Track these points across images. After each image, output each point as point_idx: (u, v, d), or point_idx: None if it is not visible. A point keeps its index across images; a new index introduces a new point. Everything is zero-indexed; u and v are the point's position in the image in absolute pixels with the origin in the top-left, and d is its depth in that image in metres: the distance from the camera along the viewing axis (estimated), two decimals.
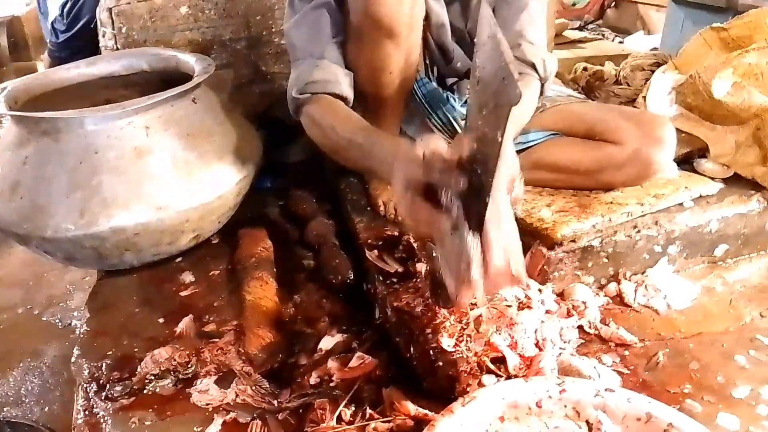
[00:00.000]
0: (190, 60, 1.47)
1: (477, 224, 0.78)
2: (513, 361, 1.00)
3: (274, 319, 1.13)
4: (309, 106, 1.22)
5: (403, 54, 1.19)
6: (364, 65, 1.22)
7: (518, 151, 1.33)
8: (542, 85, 1.34)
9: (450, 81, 1.43)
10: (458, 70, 1.39)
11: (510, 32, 1.28)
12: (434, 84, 1.41)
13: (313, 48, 1.23)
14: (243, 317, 1.15)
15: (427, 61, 1.40)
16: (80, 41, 2.41)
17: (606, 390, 0.91)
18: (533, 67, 1.27)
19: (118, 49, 1.71)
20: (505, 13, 1.30)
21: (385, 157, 0.97)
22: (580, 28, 3.11)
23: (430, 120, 1.40)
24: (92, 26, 1.96)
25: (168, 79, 1.46)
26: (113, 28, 1.71)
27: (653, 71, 1.78)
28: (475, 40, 0.76)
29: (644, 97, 1.68)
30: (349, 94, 1.23)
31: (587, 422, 0.90)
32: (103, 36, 1.72)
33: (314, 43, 1.23)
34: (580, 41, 2.77)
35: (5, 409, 1.51)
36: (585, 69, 2.05)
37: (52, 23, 2.57)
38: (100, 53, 1.74)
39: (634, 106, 1.72)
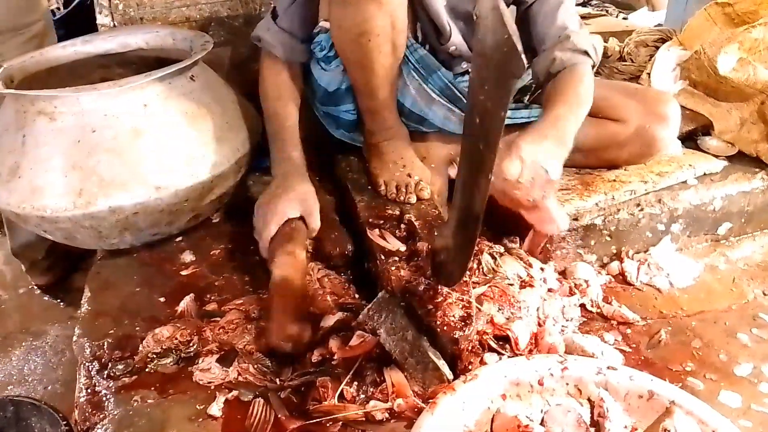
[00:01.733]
0: (187, 37, 1.44)
1: None
2: (524, 340, 1.00)
3: (300, 304, 1.08)
4: (264, 57, 1.38)
5: (388, 17, 1.17)
6: (349, 29, 1.19)
7: (521, 125, 1.32)
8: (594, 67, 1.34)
9: (442, 57, 1.40)
10: (452, 53, 1.36)
11: (554, 27, 1.28)
12: (425, 50, 1.37)
13: (280, 5, 1.35)
14: (268, 295, 1.10)
15: (419, 34, 1.37)
16: (77, 18, 2.38)
17: (608, 368, 0.91)
18: (587, 54, 1.28)
19: (114, 26, 1.69)
20: (545, 9, 1.29)
21: (281, 161, 1.31)
22: (584, 4, 3.06)
23: (427, 84, 1.36)
24: (89, 3, 1.93)
25: (165, 57, 1.44)
26: (110, 6, 1.69)
27: (657, 47, 1.75)
28: (475, 12, 0.75)
29: (648, 74, 1.66)
30: (286, 57, 1.35)
31: (589, 400, 0.90)
32: (100, 13, 1.70)
33: (279, 2, 1.36)
34: (584, 17, 2.73)
35: (8, 387, 1.52)
36: None
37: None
38: (97, 31, 1.71)
39: (639, 83, 1.70)
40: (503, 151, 0.99)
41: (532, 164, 1.01)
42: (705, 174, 1.35)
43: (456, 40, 1.33)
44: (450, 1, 1.30)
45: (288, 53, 1.35)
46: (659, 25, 2.42)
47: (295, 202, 1.19)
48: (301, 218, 1.21)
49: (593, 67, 1.30)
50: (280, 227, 1.18)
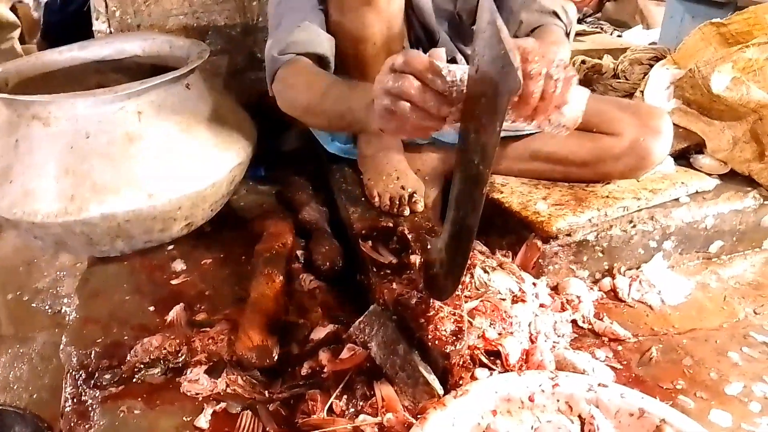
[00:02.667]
0: (184, 45, 1.45)
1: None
2: (514, 356, 0.99)
3: (270, 321, 1.10)
4: (285, 68, 1.18)
5: (385, 24, 1.17)
6: (346, 36, 1.20)
7: (514, 138, 1.33)
8: (567, 34, 1.33)
9: None
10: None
11: None
12: None
13: (294, 15, 1.20)
14: (242, 313, 1.12)
15: (413, 42, 1.38)
16: (74, 24, 2.38)
17: (599, 385, 0.90)
18: (555, 15, 1.24)
19: (111, 33, 1.69)
20: None
21: (363, 95, 0.94)
22: (579, 21, 3.09)
23: None
24: (85, 9, 1.93)
25: (161, 64, 1.44)
26: (106, 12, 1.69)
27: (652, 65, 1.77)
28: (474, 27, 0.75)
29: (642, 92, 1.67)
30: (330, 55, 1.20)
31: (580, 417, 0.90)
32: (97, 19, 1.70)
33: (296, 11, 1.20)
34: (578, 34, 2.75)
35: None
36: (583, 62, 2.04)
37: (46, 6, 2.54)
38: (93, 37, 1.71)
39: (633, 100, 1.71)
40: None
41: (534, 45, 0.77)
42: (697, 192, 1.35)
43: (444, 39, 1.36)
44: (435, 2, 1.31)
45: (329, 50, 1.20)
46: (654, 43, 2.44)
47: None
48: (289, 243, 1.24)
49: (567, 34, 1.29)
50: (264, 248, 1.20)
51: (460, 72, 0.77)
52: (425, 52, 1.35)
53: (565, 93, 0.77)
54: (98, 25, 1.69)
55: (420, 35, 1.36)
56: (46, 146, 1.19)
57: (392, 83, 0.80)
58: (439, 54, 0.78)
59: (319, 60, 1.20)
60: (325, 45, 1.20)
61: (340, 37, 1.22)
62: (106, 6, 1.66)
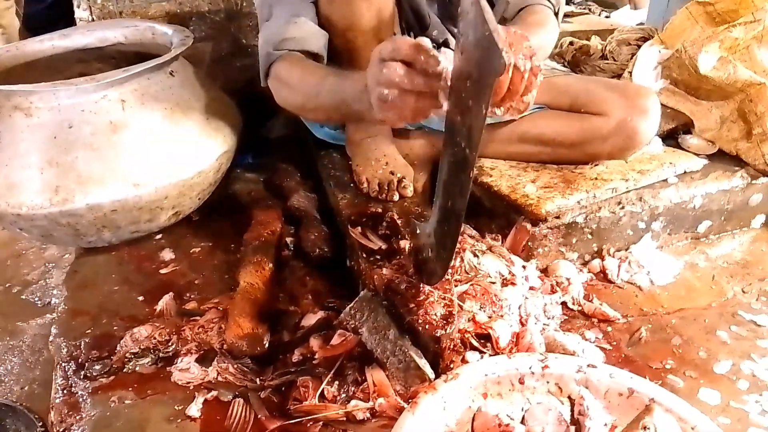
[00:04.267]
0: (167, 32, 1.43)
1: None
2: (505, 339, 0.99)
3: (260, 308, 1.10)
4: (278, 64, 1.17)
5: (375, 12, 1.16)
6: (336, 25, 1.18)
7: (501, 121, 1.32)
8: (556, 14, 1.28)
9: None
10: (435, 38, 1.36)
11: None
12: None
13: (285, 6, 1.18)
14: (231, 302, 1.12)
15: (404, 28, 1.37)
16: (55, 12, 2.34)
17: (588, 366, 0.91)
18: None
19: (93, 20, 1.66)
20: None
21: (358, 83, 0.93)
22: (567, 2, 3.07)
23: None
24: None
25: (145, 52, 1.42)
26: None
27: (639, 46, 1.76)
28: (459, 9, 0.74)
29: (630, 72, 1.66)
30: (324, 52, 1.19)
31: (570, 398, 0.90)
32: (78, 7, 1.67)
33: (286, 2, 1.19)
34: (566, 15, 2.74)
35: None
36: (571, 43, 2.03)
37: None
38: (76, 25, 1.69)
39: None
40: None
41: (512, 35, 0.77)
42: (685, 172, 1.35)
43: (434, 22, 1.34)
44: None
45: (323, 47, 1.18)
46: (641, 23, 2.43)
47: None
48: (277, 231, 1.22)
49: (555, 14, 1.26)
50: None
51: (444, 59, 0.77)
52: (416, 37, 1.36)
53: (531, 84, 0.77)
54: (80, 12, 1.67)
55: (410, 19, 1.35)
56: (28, 137, 1.18)
57: (381, 73, 0.79)
58: (425, 42, 0.77)
59: (313, 56, 1.19)
60: (319, 42, 1.18)
61: (330, 26, 1.20)
62: None
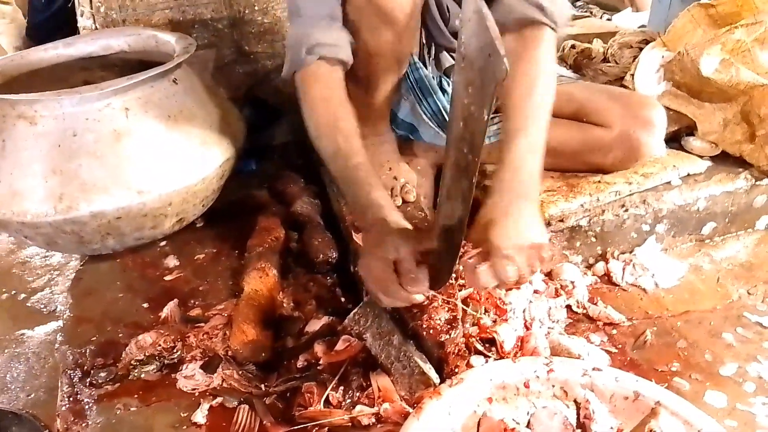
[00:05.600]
0: (170, 39, 1.43)
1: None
2: (509, 343, 0.99)
3: (265, 315, 1.10)
4: (307, 76, 1.12)
5: (400, 40, 1.17)
6: (359, 48, 1.18)
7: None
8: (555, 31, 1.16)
9: (446, 64, 1.40)
10: (457, 28, 1.34)
11: None
12: (427, 71, 1.37)
13: (321, 6, 1.13)
14: (236, 308, 1.13)
15: (424, 41, 1.37)
16: (58, 21, 2.36)
17: (593, 369, 0.91)
18: (540, 9, 1.08)
19: (96, 28, 1.67)
20: None
21: (363, 208, 0.98)
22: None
23: (420, 106, 1.37)
24: (70, 5, 1.91)
25: (148, 59, 1.43)
26: (91, 8, 1.67)
27: (641, 49, 1.76)
28: (460, 18, 0.74)
29: (632, 75, 1.66)
30: (350, 61, 1.16)
31: (575, 401, 0.90)
32: (81, 15, 1.68)
33: (321, 2, 1.13)
34: None
35: None
36: (573, 47, 2.03)
37: (30, 5, 2.51)
38: (79, 33, 1.69)
39: (622, 84, 1.70)
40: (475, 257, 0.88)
41: (521, 252, 0.86)
42: (689, 174, 1.35)
43: (454, 12, 1.31)
44: None
45: (350, 57, 1.14)
46: (643, 26, 2.43)
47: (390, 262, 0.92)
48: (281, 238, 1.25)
49: (555, 30, 1.12)
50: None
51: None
52: (437, 46, 1.36)
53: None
54: (83, 21, 1.68)
55: (433, 13, 1.30)
56: (33, 145, 1.19)
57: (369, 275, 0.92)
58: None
59: (341, 62, 1.14)
60: (348, 51, 1.14)
61: (354, 48, 1.19)
62: (91, 2, 1.64)
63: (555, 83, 1.07)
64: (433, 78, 1.38)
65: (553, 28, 1.11)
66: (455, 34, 1.35)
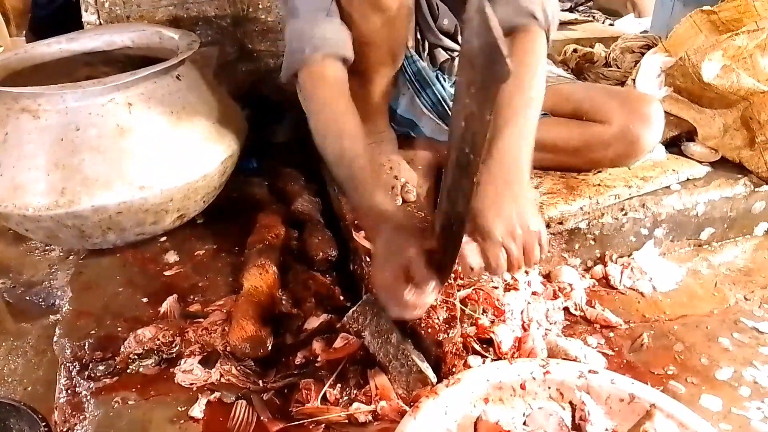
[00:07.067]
0: (174, 36, 1.44)
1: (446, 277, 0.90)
2: (507, 343, 1.00)
3: (264, 311, 1.11)
4: (312, 76, 1.11)
5: (393, 29, 1.17)
6: (354, 40, 1.19)
7: None
8: (548, 35, 1.19)
9: (441, 59, 1.41)
10: (446, 28, 1.36)
11: None
12: (423, 63, 1.39)
13: (317, 2, 1.12)
14: (235, 304, 1.13)
15: (418, 36, 1.38)
16: (63, 16, 2.35)
17: (590, 371, 0.91)
18: (533, 16, 1.12)
19: (100, 24, 1.67)
20: None
21: (368, 211, 0.98)
22: (571, 10, 3.07)
23: (419, 98, 1.38)
24: (75, 0, 1.91)
25: (151, 56, 1.43)
26: (96, 3, 1.67)
27: (643, 53, 1.77)
28: (463, 17, 0.75)
29: (633, 80, 1.67)
30: (351, 57, 1.15)
31: (571, 403, 0.91)
32: (86, 10, 1.68)
33: None
34: (570, 23, 2.75)
35: None
36: (575, 51, 2.04)
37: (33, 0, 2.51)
38: (83, 28, 1.70)
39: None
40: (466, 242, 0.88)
41: (513, 238, 0.87)
42: (688, 179, 1.36)
43: (443, 11, 1.33)
44: None
45: (351, 52, 1.13)
46: (645, 31, 2.44)
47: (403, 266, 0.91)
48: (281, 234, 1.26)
49: (546, 32, 1.16)
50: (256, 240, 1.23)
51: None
52: (431, 42, 1.36)
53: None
54: (87, 16, 1.68)
55: (423, 11, 1.32)
56: (35, 139, 1.19)
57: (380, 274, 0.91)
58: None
59: (342, 59, 1.14)
60: (349, 46, 1.13)
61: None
62: None
63: (544, 83, 1.08)
64: (431, 70, 1.39)
65: (545, 31, 1.14)
66: (445, 33, 1.36)
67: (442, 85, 1.39)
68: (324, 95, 1.09)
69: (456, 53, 1.40)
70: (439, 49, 1.40)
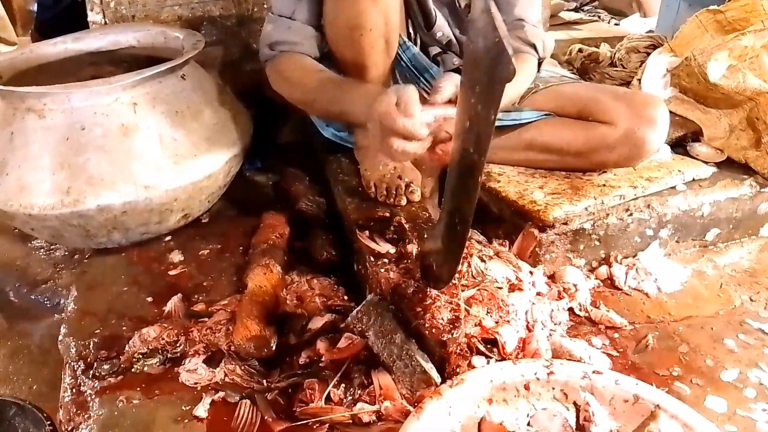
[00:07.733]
0: (179, 36, 1.44)
1: None
2: (511, 344, 1.00)
3: (268, 311, 1.11)
4: (275, 61, 1.28)
5: (381, 12, 1.17)
6: (342, 24, 1.19)
7: (510, 128, 1.33)
8: (539, 63, 1.39)
9: (433, 51, 1.41)
10: (439, 40, 1.37)
11: (512, 15, 1.34)
12: (417, 49, 1.39)
13: (285, 5, 1.27)
14: (240, 303, 1.13)
15: (410, 30, 1.38)
16: (68, 15, 2.36)
17: (594, 372, 0.91)
18: (534, 47, 1.33)
19: (106, 23, 1.68)
20: None
21: (358, 102, 1.05)
22: (576, 10, 3.07)
23: (418, 85, 1.37)
24: (80, 1, 1.92)
25: (156, 55, 1.44)
26: (101, 3, 1.68)
27: (648, 53, 1.76)
28: (468, 17, 0.75)
29: (639, 80, 1.67)
30: (315, 53, 1.28)
31: (575, 404, 0.90)
32: (91, 10, 1.69)
33: (284, 1, 1.27)
34: (575, 23, 2.75)
35: None
36: (580, 50, 2.03)
37: (38, 2, 2.52)
38: (88, 28, 1.70)
39: (629, 89, 1.71)
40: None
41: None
42: (694, 180, 1.35)
43: (441, 23, 1.36)
44: None
45: (317, 49, 1.28)
46: (651, 31, 2.43)
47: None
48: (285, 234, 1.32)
49: (539, 61, 1.38)
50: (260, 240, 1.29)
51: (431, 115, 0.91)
52: (422, 40, 1.37)
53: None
54: (92, 16, 1.68)
55: (417, 21, 1.35)
56: (41, 139, 1.19)
57: (383, 145, 0.95)
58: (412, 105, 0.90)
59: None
60: (313, 47, 1.28)
61: (335, 24, 1.21)
62: None
63: (524, 89, 1.31)
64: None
65: (539, 60, 1.35)
66: (437, 42, 1.37)
67: (438, 70, 1.39)
68: (288, 65, 1.26)
69: (450, 51, 1.40)
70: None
